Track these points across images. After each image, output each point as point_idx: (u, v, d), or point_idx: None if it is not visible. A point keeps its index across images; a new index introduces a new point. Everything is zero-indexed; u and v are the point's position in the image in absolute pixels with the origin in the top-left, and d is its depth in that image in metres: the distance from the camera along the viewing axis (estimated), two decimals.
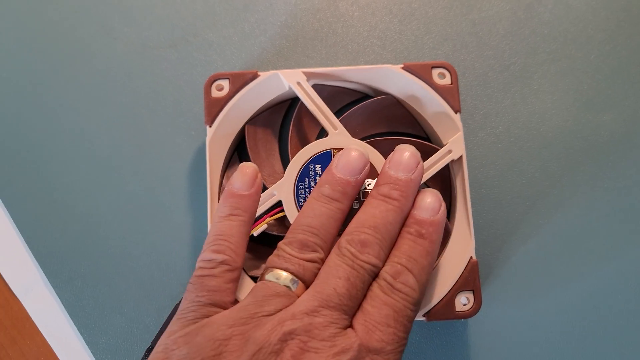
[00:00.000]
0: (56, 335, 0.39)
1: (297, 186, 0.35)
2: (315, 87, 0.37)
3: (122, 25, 0.42)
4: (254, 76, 0.36)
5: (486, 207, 0.39)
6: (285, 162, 0.39)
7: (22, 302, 0.39)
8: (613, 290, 0.38)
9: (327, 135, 0.36)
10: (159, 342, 0.26)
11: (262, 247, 0.37)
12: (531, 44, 0.42)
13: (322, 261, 0.29)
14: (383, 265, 0.28)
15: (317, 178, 0.35)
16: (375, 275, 0.28)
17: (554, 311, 0.38)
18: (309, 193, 0.35)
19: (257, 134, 0.38)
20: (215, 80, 0.36)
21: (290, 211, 0.34)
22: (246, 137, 0.37)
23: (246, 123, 0.38)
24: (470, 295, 0.34)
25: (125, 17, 0.42)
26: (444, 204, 0.30)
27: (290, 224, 0.35)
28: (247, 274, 0.35)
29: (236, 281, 0.29)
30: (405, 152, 0.31)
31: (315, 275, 0.28)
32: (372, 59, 0.42)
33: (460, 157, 0.36)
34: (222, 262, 0.28)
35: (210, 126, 0.36)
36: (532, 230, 0.39)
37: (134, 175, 0.40)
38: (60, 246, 0.39)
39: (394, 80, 0.37)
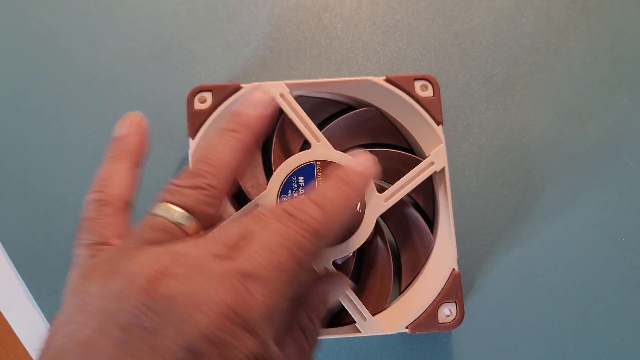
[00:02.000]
0: (38, 348, 0.38)
1: (280, 198, 0.35)
2: (298, 98, 0.37)
3: (106, 37, 0.42)
4: (237, 88, 0.36)
5: (469, 218, 0.40)
6: (269, 173, 0.39)
7: (4, 315, 0.39)
8: (596, 299, 0.38)
9: (310, 147, 0.36)
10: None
11: None
12: (514, 55, 0.43)
13: (212, 187, 0.27)
14: (220, 190, 0.27)
15: (300, 190, 0.35)
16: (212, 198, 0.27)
17: (537, 321, 0.38)
18: None
19: None
20: (198, 93, 0.37)
21: None
22: None
23: None
24: (453, 307, 0.35)
25: (109, 29, 0.42)
26: (377, 167, 0.30)
27: None
28: None
29: (116, 214, 0.27)
30: (256, 92, 0.32)
31: (205, 203, 0.26)
32: (355, 70, 0.42)
33: (443, 169, 0.36)
34: (95, 200, 0.27)
35: (192, 138, 0.36)
36: (514, 240, 0.39)
37: None
38: (43, 258, 0.39)
39: (377, 92, 0.37)
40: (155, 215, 0.26)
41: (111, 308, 0.21)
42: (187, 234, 0.26)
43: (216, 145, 0.28)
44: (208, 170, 0.27)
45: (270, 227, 0.24)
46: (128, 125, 0.30)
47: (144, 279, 0.22)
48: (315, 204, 0.26)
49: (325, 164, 0.35)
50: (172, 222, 0.25)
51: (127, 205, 0.28)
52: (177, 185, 0.27)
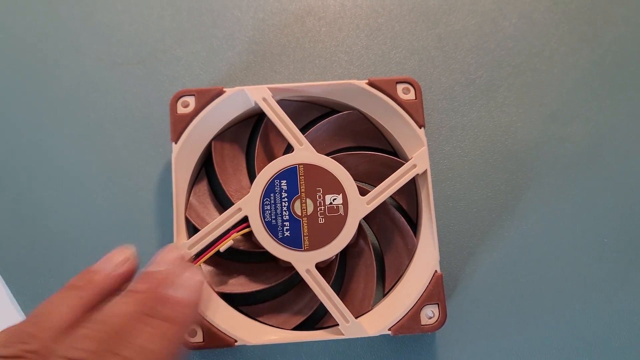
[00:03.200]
0: None
1: (263, 202, 0.35)
2: (281, 102, 0.37)
3: (90, 42, 0.42)
4: (220, 92, 0.37)
5: (453, 220, 0.40)
6: (252, 177, 0.39)
7: None
8: (578, 300, 0.39)
9: (292, 150, 0.36)
10: None
11: (229, 262, 0.38)
12: (496, 57, 0.43)
13: (35, 353, 0.23)
14: None
15: (283, 193, 0.35)
16: None
17: (521, 322, 0.38)
18: (275, 208, 0.35)
19: (225, 149, 0.38)
20: (181, 97, 0.37)
21: (256, 226, 0.35)
22: (213, 152, 0.37)
23: (213, 139, 0.38)
24: (436, 309, 0.35)
25: (93, 34, 0.42)
26: (203, 282, 0.28)
27: (256, 239, 0.35)
28: (214, 290, 0.35)
29: None
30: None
31: None
32: (339, 74, 0.42)
33: (425, 171, 0.36)
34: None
35: (176, 143, 0.36)
36: (498, 242, 0.39)
37: (102, 192, 0.40)
38: (27, 262, 0.39)
39: (359, 95, 0.37)
40: None
41: None
42: None
43: (52, 303, 0.26)
44: (33, 334, 0.24)
45: None
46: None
47: None
48: None
49: (308, 167, 0.35)
50: None
51: None
52: None
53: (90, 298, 0.26)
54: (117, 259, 0.28)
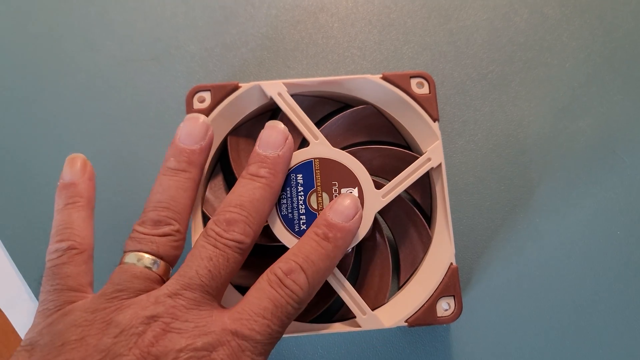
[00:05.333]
0: None
1: (279, 196, 0.35)
2: (296, 97, 0.37)
3: (104, 39, 0.43)
4: (235, 88, 0.37)
5: (466, 214, 0.40)
6: None
7: (7, 316, 0.39)
8: (592, 293, 0.39)
9: (308, 145, 0.36)
10: (25, 337, 0.26)
11: None
12: (508, 52, 0.43)
13: (179, 232, 0.29)
14: (251, 242, 0.29)
15: (299, 187, 0.35)
16: (242, 252, 0.28)
17: (535, 315, 0.38)
18: (291, 202, 0.35)
19: (240, 144, 0.39)
20: (196, 92, 0.37)
21: (273, 220, 0.35)
22: (228, 147, 0.38)
23: (228, 134, 0.38)
24: (451, 301, 0.35)
25: (107, 31, 0.43)
26: (360, 211, 0.32)
27: (273, 233, 0.35)
28: (230, 283, 0.35)
29: (88, 262, 0.29)
30: (274, 130, 0.32)
31: (174, 248, 0.28)
32: (352, 69, 0.42)
33: (440, 165, 0.37)
34: (68, 248, 0.28)
35: None
36: (511, 235, 0.40)
37: (117, 187, 0.40)
38: (44, 258, 0.39)
39: (374, 90, 0.38)
40: (130, 264, 0.27)
41: None
42: (160, 276, 0.28)
43: (172, 188, 0.30)
44: (172, 217, 0.29)
45: (263, 293, 0.27)
46: (78, 170, 0.31)
47: (144, 334, 0.24)
48: (303, 270, 0.28)
49: (324, 161, 0.36)
50: (147, 269, 0.27)
51: (92, 255, 0.30)
52: (145, 234, 0.28)
53: (197, 178, 0.31)
54: (202, 132, 0.31)
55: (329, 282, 0.34)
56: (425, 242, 0.37)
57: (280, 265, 0.28)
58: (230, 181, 0.39)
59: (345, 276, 0.35)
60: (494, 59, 0.43)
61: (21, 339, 0.39)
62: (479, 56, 0.43)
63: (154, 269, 0.27)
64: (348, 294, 0.34)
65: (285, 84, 0.37)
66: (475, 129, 0.42)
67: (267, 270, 0.28)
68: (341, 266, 0.36)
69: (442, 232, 0.36)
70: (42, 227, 0.39)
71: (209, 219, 0.37)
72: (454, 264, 0.35)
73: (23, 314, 0.39)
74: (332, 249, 0.29)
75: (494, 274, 0.39)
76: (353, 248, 0.36)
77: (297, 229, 0.35)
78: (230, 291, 0.35)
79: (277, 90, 0.37)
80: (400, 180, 0.36)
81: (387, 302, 0.36)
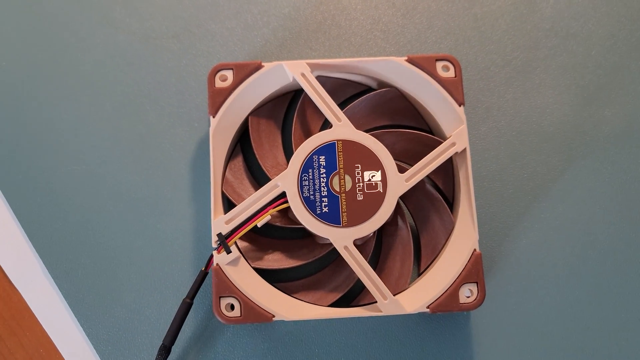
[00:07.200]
0: (56, 327, 0.38)
1: (301, 177, 0.35)
2: (319, 78, 0.37)
3: (124, 16, 0.42)
4: (258, 67, 0.36)
5: (488, 201, 0.40)
6: (288, 153, 0.38)
7: (22, 294, 0.39)
8: (615, 283, 0.38)
9: (331, 126, 0.36)
10: None
11: (264, 238, 0.37)
12: (533, 38, 0.42)
13: None
14: None
15: (321, 169, 0.35)
16: None
17: (557, 303, 0.38)
18: (313, 184, 0.35)
19: (261, 125, 0.38)
20: (219, 71, 0.36)
21: (294, 202, 0.34)
22: (249, 128, 0.37)
23: (250, 114, 0.37)
24: (474, 287, 0.34)
25: (127, 8, 0.42)
26: None
27: (293, 215, 0.35)
28: (250, 265, 0.35)
29: None
30: None
31: None
32: (374, 52, 0.42)
33: (464, 150, 0.36)
34: None
35: (214, 116, 0.36)
36: (534, 223, 0.39)
37: (135, 166, 0.40)
38: (61, 237, 0.39)
39: (399, 72, 0.37)
40: None
41: None
42: None
43: None
44: None
45: None
46: None
47: None
48: None
49: (347, 143, 0.35)
50: None
51: None
52: None
53: None
54: None
55: (350, 266, 0.34)
56: (448, 228, 0.37)
57: None
58: (250, 161, 0.39)
59: (366, 260, 0.34)
60: (518, 45, 0.42)
61: (35, 317, 0.38)
62: (504, 42, 0.42)
63: None
64: (369, 278, 0.34)
65: (309, 64, 0.36)
66: (499, 116, 0.41)
67: None
68: (362, 250, 0.36)
69: (466, 218, 0.36)
70: (58, 205, 0.39)
71: (228, 199, 0.36)
72: (478, 250, 0.35)
73: (38, 292, 0.39)
74: None
75: (516, 261, 0.39)
76: (374, 232, 0.36)
77: (318, 212, 0.34)
78: (253, 274, 0.35)
79: (300, 70, 0.36)
80: (424, 164, 0.36)
81: (408, 287, 0.36)
